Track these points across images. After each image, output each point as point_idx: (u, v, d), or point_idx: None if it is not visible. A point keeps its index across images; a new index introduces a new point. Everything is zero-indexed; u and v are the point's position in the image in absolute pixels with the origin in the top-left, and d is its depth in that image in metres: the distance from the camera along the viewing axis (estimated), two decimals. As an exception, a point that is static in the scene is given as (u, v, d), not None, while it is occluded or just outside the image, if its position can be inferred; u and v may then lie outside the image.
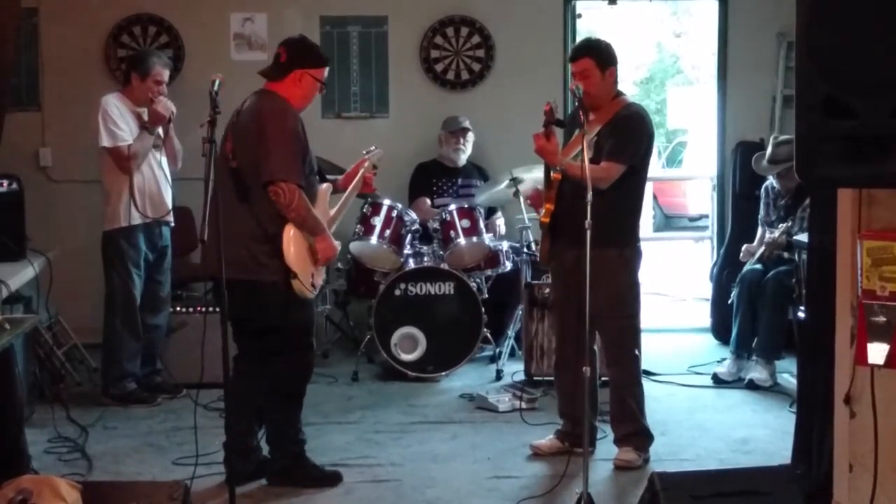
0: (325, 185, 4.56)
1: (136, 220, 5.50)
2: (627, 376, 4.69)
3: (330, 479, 4.45)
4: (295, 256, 4.22)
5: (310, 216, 4.26)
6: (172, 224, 5.76)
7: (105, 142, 5.43)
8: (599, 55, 4.57)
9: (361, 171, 4.68)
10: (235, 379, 4.34)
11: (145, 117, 5.53)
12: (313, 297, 4.43)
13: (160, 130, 5.56)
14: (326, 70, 4.45)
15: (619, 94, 4.68)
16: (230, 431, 4.30)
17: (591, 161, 4.53)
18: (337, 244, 4.44)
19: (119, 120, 5.44)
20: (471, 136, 6.70)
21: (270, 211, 4.20)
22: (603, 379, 4.97)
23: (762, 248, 6.07)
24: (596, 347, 4.91)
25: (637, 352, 4.73)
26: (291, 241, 4.22)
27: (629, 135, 4.55)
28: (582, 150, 4.14)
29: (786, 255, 5.93)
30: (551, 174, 4.64)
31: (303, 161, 4.26)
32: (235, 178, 4.25)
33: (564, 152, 4.62)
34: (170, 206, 5.65)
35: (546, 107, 4.50)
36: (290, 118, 4.26)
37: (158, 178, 5.61)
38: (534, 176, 6.23)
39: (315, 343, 4.57)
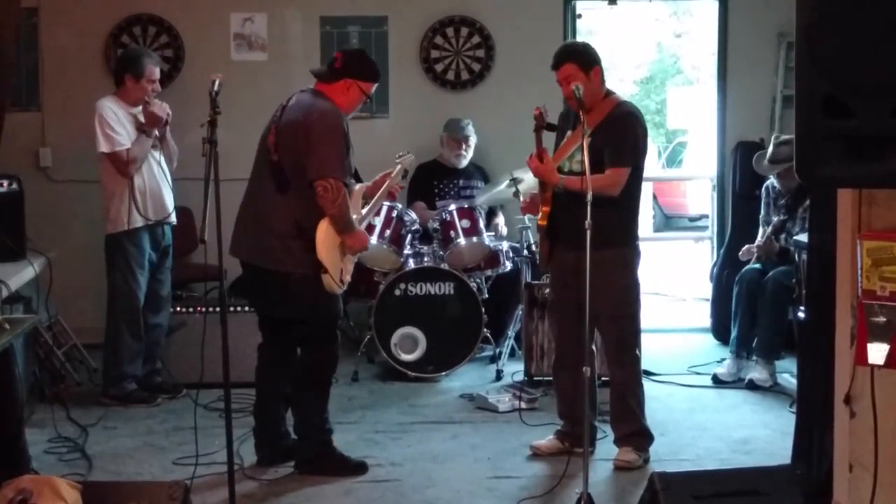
0: (358, 186, 4.70)
1: (139, 222, 5.51)
2: (628, 376, 4.69)
3: (356, 469, 4.56)
4: (326, 252, 4.34)
5: (348, 213, 4.40)
6: (175, 223, 5.77)
7: (103, 147, 5.43)
8: (580, 57, 4.55)
9: (388, 181, 4.77)
10: (261, 366, 4.67)
11: (140, 118, 5.53)
12: (341, 292, 4.52)
13: (157, 131, 5.56)
14: (375, 85, 4.57)
15: (609, 93, 4.66)
16: (258, 417, 4.63)
17: (589, 162, 4.54)
18: (366, 235, 4.62)
19: (116, 124, 5.44)
20: (473, 141, 6.71)
21: (308, 206, 4.32)
22: (603, 379, 4.97)
23: (756, 251, 6.07)
24: (594, 347, 4.93)
25: (637, 352, 4.73)
26: (324, 237, 4.34)
27: (626, 137, 4.53)
28: (582, 154, 4.12)
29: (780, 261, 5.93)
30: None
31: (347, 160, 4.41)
32: (275, 171, 4.38)
33: (558, 154, 4.63)
34: (171, 206, 5.65)
35: (536, 111, 4.50)
36: (340, 118, 4.39)
37: (159, 180, 5.61)
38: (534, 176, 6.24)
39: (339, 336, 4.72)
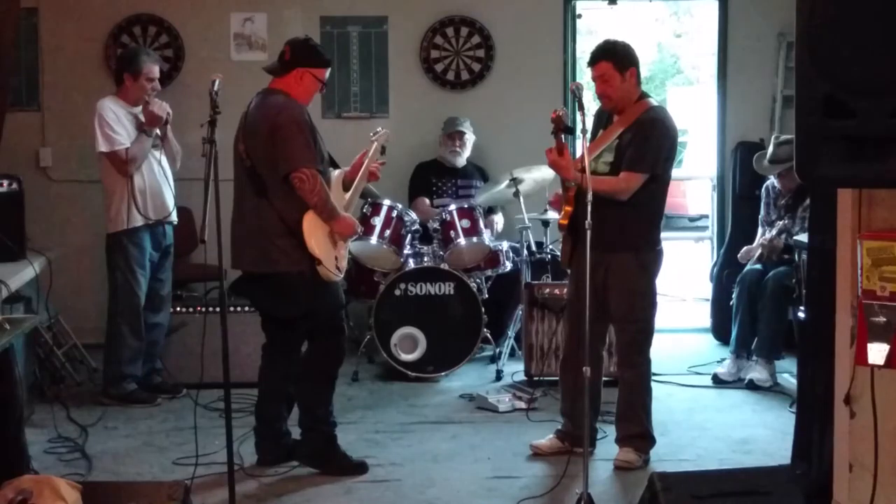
0: (337, 172, 4.70)
1: (139, 221, 5.52)
2: (637, 378, 4.68)
3: (356, 468, 4.56)
4: (317, 243, 4.36)
5: (330, 200, 4.41)
6: (176, 222, 5.77)
7: (102, 147, 5.44)
8: (617, 57, 4.52)
9: (367, 160, 4.74)
10: (264, 366, 4.68)
11: (141, 118, 5.53)
12: (339, 279, 4.55)
13: (158, 130, 5.56)
14: (328, 71, 4.60)
15: (644, 95, 4.61)
16: (260, 416, 4.63)
17: (612, 164, 4.54)
18: (353, 219, 4.60)
19: (115, 124, 5.45)
20: (469, 139, 6.69)
21: (289, 203, 4.34)
22: (605, 379, 4.96)
23: (759, 250, 6.07)
24: (605, 352, 4.94)
25: (649, 355, 4.71)
26: (311, 229, 4.36)
27: (649, 142, 4.49)
28: (584, 155, 4.12)
29: (785, 256, 5.93)
30: (567, 185, 4.63)
31: (315, 147, 4.41)
32: (251, 176, 4.41)
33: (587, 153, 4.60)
34: (172, 205, 5.66)
35: (553, 114, 4.44)
36: (296, 108, 4.42)
37: (159, 179, 5.61)
38: (534, 176, 6.24)
39: (346, 327, 4.73)
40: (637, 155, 4.47)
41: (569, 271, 4.83)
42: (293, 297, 4.43)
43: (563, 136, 4.49)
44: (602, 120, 4.70)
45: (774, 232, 6.01)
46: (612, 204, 4.35)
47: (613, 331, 4.87)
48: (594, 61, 4.56)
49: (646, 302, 4.64)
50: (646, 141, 4.49)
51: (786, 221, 5.97)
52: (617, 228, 4.38)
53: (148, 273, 5.63)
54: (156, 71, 5.63)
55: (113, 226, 5.54)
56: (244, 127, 4.45)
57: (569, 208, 4.61)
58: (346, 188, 4.70)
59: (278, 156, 4.31)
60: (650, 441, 4.70)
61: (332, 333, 4.57)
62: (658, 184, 4.57)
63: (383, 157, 4.84)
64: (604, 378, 4.90)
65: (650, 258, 4.62)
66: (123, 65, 5.68)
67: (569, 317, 4.84)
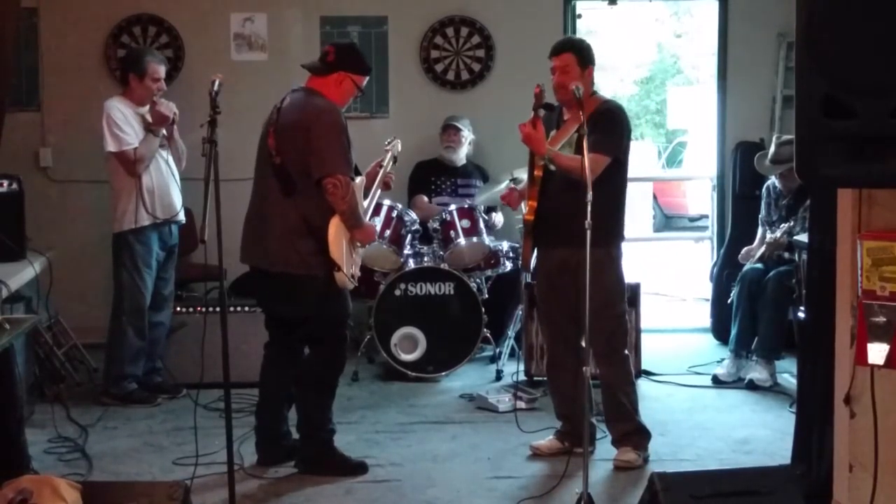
0: (359, 179, 4.67)
1: (146, 221, 5.53)
2: (620, 375, 4.68)
3: (356, 469, 4.55)
4: (338, 249, 4.35)
5: (357, 208, 4.42)
6: (183, 221, 5.78)
7: (110, 147, 5.45)
8: (581, 52, 4.60)
9: (381, 171, 4.76)
10: (266, 365, 4.67)
11: (148, 118, 5.54)
12: (353, 286, 4.54)
13: (164, 130, 5.57)
14: (367, 78, 4.58)
15: (595, 92, 4.70)
16: (260, 416, 4.63)
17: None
18: (374, 227, 4.68)
19: (123, 124, 5.46)
20: (465, 136, 6.69)
21: (316, 205, 4.32)
22: (594, 383, 4.95)
23: (763, 248, 6.07)
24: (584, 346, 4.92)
25: (626, 350, 4.73)
26: (336, 235, 4.35)
27: (611, 128, 4.54)
28: (582, 152, 4.12)
29: (786, 255, 5.94)
30: (534, 170, 4.62)
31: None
32: (279, 174, 4.36)
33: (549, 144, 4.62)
34: (179, 205, 5.68)
35: (536, 89, 4.48)
36: (337, 114, 4.41)
37: (167, 178, 5.63)
38: (534, 176, 6.24)
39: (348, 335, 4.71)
40: (601, 138, 4.44)
41: (535, 271, 4.81)
42: (302, 300, 4.41)
43: (540, 111, 4.51)
44: (553, 120, 4.71)
45: (779, 234, 5.99)
46: (581, 199, 4.29)
47: (589, 329, 4.82)
48: (557, 52, 4.62)
49: (618, 296, 4.66)
50: (609, 127, 4.53)
51: (790, 224, 5.95)
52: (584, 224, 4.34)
53: (154, 273, 5.64)
54: (161, 71, 5.64)
55: (119, 225, 5.55)
56: (277, 122, 4.40)
57: (533, 203, 4.61)
58: (364, 196, 4.71)
59: (313, 158, 4.28)
60: (645, 435, 4.70)
61: (334, 341, 4.54)
62: (621, 174, 4.60)
63: (394, 168, 4.87)
64: (594, 379, 4.89)
65: (618, 252, 4.65)
66: (128, 65, 5.70)
67: (547, 319, 4.83)
